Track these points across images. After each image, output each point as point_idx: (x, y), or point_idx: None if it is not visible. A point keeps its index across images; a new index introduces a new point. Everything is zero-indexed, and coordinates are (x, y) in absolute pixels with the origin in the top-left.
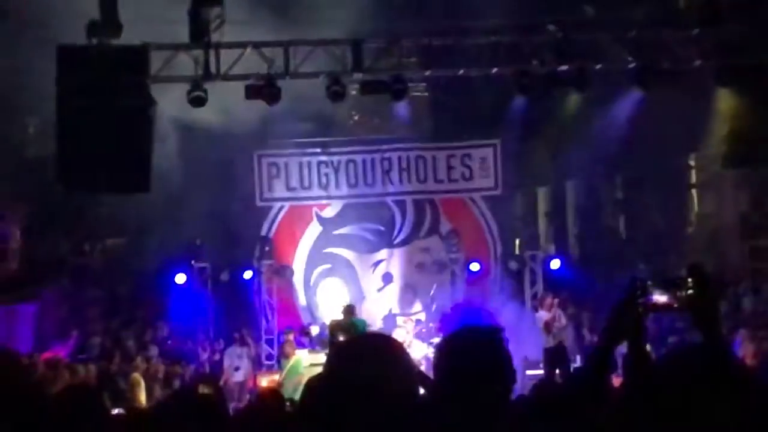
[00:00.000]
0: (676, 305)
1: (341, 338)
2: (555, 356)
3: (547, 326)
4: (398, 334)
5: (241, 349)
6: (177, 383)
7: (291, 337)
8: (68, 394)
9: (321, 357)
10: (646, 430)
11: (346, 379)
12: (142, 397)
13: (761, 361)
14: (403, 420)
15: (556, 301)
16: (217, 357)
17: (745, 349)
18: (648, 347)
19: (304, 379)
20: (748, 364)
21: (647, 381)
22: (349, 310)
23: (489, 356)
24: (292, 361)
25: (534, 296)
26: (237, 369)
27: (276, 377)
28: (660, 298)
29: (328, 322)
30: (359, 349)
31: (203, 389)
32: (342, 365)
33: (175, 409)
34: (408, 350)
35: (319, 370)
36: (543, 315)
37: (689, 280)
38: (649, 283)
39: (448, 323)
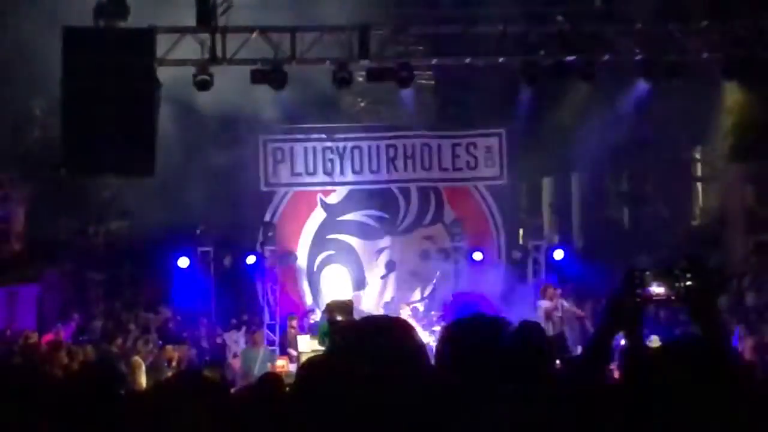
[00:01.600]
0: (673, 297)
1: (339, 318)
2: (555, 345)
3: (548, 315)
4: None
5: (237, 334)
6: (179, 367)
7: (294, 323)
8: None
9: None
10: (644, 421)
11: (352, 358)
12: (143, 381)
13: (761, 355)
14: (406, 401)
15: (558, 291)
16: (218, 340)
17: (744, 343)
18: (656, 337)
19: None
20: (746, 358)
21: (645, 373)
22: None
23: (491, 345)
24: None
25: (536, 286)
26: (235, 355)
27: (281, 362)
28: (657, 289)
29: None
30: (366, 329)
31: (207, 372)
32: (347, 345)
33: (180, 389)
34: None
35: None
36: (544, 304)
37: (687, 271)
38: (647, 273)
39: (449, 312)
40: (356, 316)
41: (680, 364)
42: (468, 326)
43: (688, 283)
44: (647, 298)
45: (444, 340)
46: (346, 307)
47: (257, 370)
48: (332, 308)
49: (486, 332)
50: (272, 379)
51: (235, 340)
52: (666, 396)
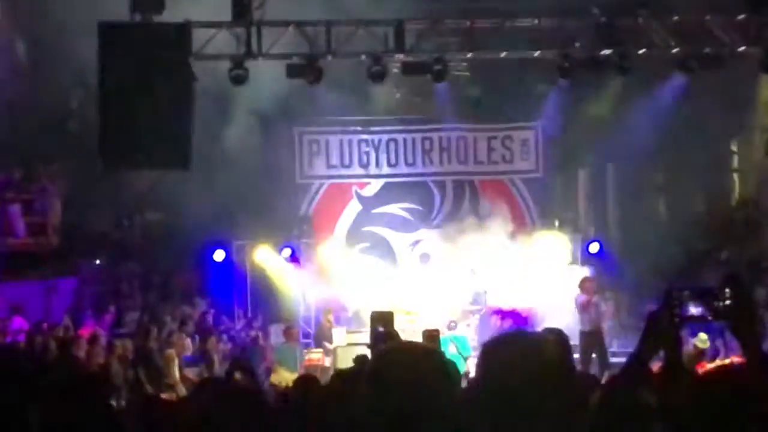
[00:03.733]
0: (710, 317)
1: (381, 329)
2: (591, 339)
3: (585, 308)
4: (435, 316)
5: (277, 327)
6: (216, 360)
7: (330, 317)
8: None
9: (358, 336)
10: None
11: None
12: (176, 374)
13: None
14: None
15: (594, 284)
16: (253, 334)
17: None
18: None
19: None
20: None
21: (690, 397)
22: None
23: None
24: None
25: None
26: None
27: (317, 355)
28: (696, 309)
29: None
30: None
31: (238, 375)
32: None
33: (210, 402)
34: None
35: (357, 349)
36: (581, 298)
37: (726, 290)
38: (686, 293)
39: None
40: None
41: (725, 391)
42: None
43: (728, 302)
44: (685, 317)
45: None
46: (388, 317)
47: (292, 366)
48: (374, 319)
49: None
50: (307, 381)
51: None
52: (712, 420)
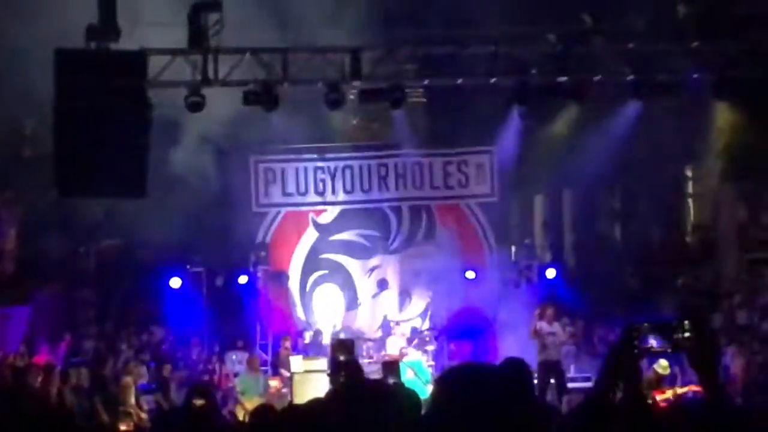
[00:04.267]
0: (670, 350)
1: (342, 358)
2: (549, 366)
3: (542, 337)
4: (393, 341)
5: (242, 354)
6: (172, 387)
7: (288, 344)
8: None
9: (315, 363)
10: None
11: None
12: (132, 402)
13: (750, 375)
14: None
15: (553, 311)
16: (210, 363)
17: (735, 363)
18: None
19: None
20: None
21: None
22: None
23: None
24: None
25: (530, 304)
26: (236, 375)
27: (274, 383)
28: (655, 341)
29: (322, 329)
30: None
31: (198, 401)
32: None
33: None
34: (403, 358)
35: (314, 376)
36: (539, 324)
37: (685, 322)
38: (645, 326)
39: (448, 330)
40: (350, 336)
41: (686, 424)
42: (459, 377)
43: (686, 334)
44: (645, 349)
45: (437, 395)
46: (349, 346)
47: (256, 395)
48: (335, 347)
49: (476, 382)
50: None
51: (239, 361)
52: None
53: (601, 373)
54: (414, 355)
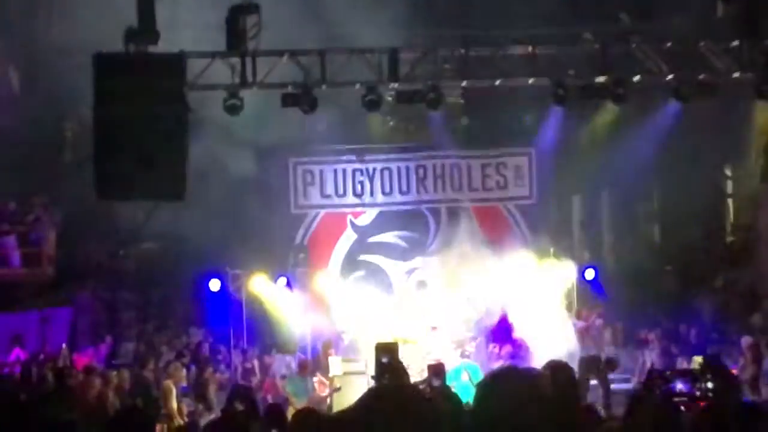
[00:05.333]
0: (698, 394)
1: (384, 360)
2: (589, 365)
3: (583, 336)
4: (433, 343)
5: (290, 357)
6: (211, 390)
7: (331, 351)
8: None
9: (355, 365)
10: None
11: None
12: (174, 405)
13: None
14: None
15: (592, 311)
16: (248, 365)
17: None
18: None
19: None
20: None
21: None
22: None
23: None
24: None
25: (568, 305)
26: (283, 377)
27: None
28: (683, 385)
29: (360, 331)
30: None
31: (238, 406)
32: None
33: None
34: (440, 359)
35: (352, 378)
36: (579, 324)
37: (707, 374)
38: (668, 373)
39: (488, 332)
40: (390, 339)
41: None
42: (502, 381)
43: (709, 384)
44: (674, 394)
45: (481, 398)
46: (393, 348)
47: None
48: (379, 349)
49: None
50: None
51: (287, 364)
52: None
53: (624, 417)
54: (453, 357)
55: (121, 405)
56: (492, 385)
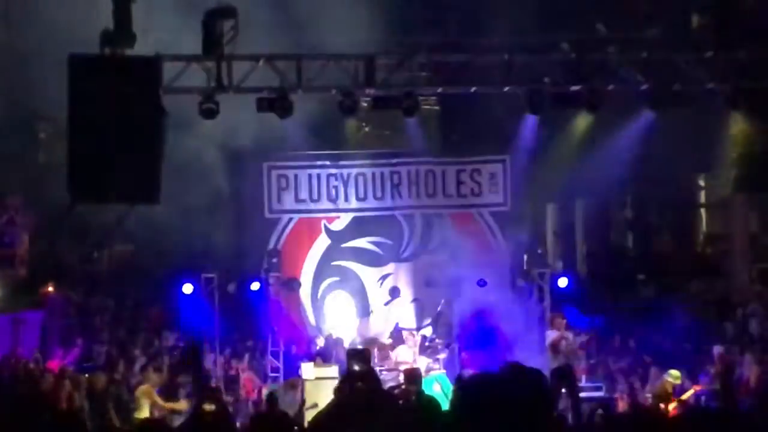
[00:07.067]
0: None
1: (356, 368)
2: (562, 375)
3: (555, 346)
4: (404, 349)
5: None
6: (182, 393)
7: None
8: None
9: (327, 370)
10: None
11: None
12: (147, 410)
13: (764, 383)
14: None
15: (565, 321)
16: (232, 372)
17: (750, 372)
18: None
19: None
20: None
21: None
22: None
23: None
24: None
25: (542, 314)
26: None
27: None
28: None
29: (333, 336)
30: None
31: (208, 406)
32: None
33: None
34: (413, 365)
35: (325, 383)
36: (551, 334)
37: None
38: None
39: (460, 338)
40: (363, 343)
41: None
42: (478, 386)
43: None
44: None
45: (457, 403)
46: (365, 356)
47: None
48: (350, 356)
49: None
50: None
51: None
52: None
53: None
54: (424, 364)
55: (91, 408)
56: (465, 393)
